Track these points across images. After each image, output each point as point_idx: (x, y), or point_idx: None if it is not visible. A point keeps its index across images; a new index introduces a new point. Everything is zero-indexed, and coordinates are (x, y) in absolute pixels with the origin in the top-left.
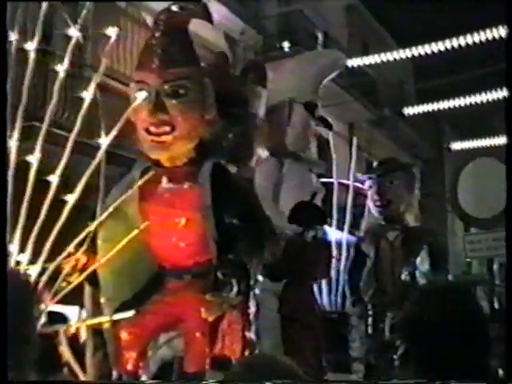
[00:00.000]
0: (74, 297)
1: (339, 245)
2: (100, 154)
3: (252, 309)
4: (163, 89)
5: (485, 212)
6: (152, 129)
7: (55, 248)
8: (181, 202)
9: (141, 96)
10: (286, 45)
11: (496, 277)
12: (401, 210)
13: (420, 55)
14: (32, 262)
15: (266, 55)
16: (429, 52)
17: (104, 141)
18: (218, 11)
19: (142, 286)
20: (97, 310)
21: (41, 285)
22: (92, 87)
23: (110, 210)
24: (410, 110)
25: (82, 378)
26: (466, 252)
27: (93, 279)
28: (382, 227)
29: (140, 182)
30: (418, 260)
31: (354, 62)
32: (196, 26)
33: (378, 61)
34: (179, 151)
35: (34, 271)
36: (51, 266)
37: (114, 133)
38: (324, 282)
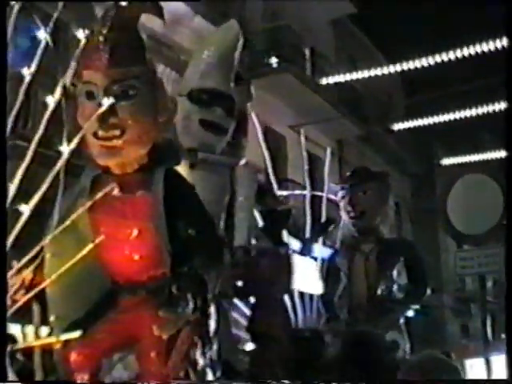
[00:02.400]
0: (22, 315)
1: (314, 258)
2: (60, 163)
3: (212, 325)
4: (111, 89)
5: (476, 228)
6: (101, 133)
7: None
8: (132, 211)
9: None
10: (273, 60)
11: (489, 294)
12: (375, 221)
13: (409, 69)
14: None
15: (254, 71)
16: (418, 66)
17: (65, 149)
18: (203, 27)
19: (95, 304)
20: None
21: None
22: (57, 92)
23: (68, 222)
24: (398, 126)
25: None
26: (456, 269)
27: (40, 296)
28: (355, 239)
29: (98, 194)
30: (395, 273)
31: (341, 78)
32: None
33: (366, 76)
34: (130, 157)
35: None
36: None
37: (76, 141)
38: (298, 299)
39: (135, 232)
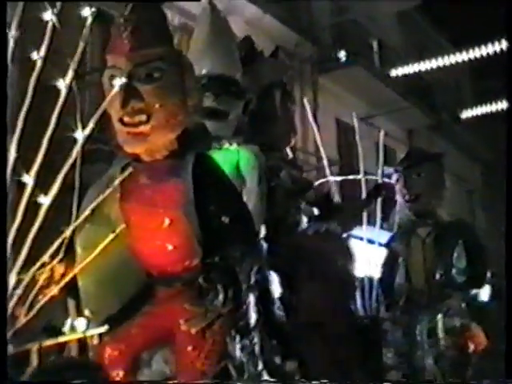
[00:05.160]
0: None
1: (371, 242)
2: (76, 150)
3: (253, 317)
4: (135, 72)
5: None
6: (126, 119)
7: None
8: (163, 199)
9: (115, 83)
10: (342, 54)
11: None
12: (431, 203)
13: (475, 57)
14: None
15: (323, 66)
16: (485, 53)
17: (80, 135)
18: (272, 25)
19: (131, 297)
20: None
21: (15, 299)
22: (69, 76)
23: (87, 213)
24: (468, 113)
25: None
26: None
27: (74, 291)
28: (412, 223)
29: (118, 180)
30: (454, 257)
31: (409, 69)
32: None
33: (434, 66)
34: (158, 143)
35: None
36: (26, 278)
37: (91, 126)
38: (358, 286)
39: (167, 221)
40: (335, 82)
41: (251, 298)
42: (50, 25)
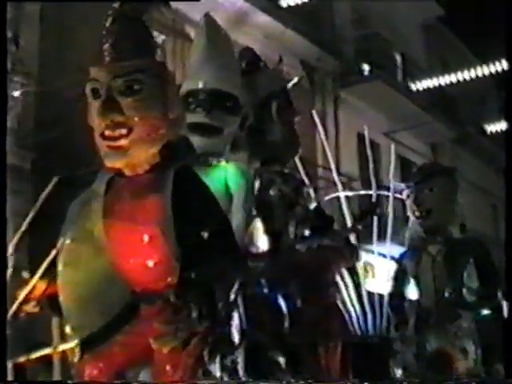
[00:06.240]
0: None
1: (383, 256)
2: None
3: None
4: (115, 85)
5: None
6: (107, 132)
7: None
8: (142, 215)
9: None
10: (364, 68)
11: None
12: (443, 220)
13: (503, 70)
14: None
15: (345, 80)
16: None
17: None
18: (294, 40)
19: (115, 314)
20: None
21: None
22: None
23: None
24: (493, 127)
25: None
26: None
27: (56, 308)
28: (422, 240)
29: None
30: (465, 275)
31: (433, 82)
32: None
33: (460, 78)
34: (139, 156)
35: None
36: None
37: None
38: (367, 304)
39: (146, 238)
40: (357, 96)
41: (235, 316)
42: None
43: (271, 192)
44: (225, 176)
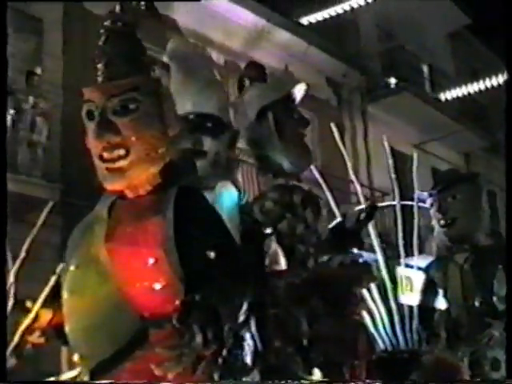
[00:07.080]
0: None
1: (410, 267)
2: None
3: (249, 357)
4: (109, 105)
5: None
6: (106, 155)
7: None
8: (145, 238)
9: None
10: (391, 81)
11: None
12: (468, 227)
13: None
14: None
15: (372, 95)
16: None
17: None
18: (318, 57)
19: (124, 341)
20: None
21: None
22: None
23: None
24: None
25: None
26: None
27: (63, 337)
28: (449, 249)
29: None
30: (495, 283)
31: (462, 91)
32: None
33: (489, 85)
34: (139, 177)
35: None
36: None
37: None
38: (397, 318)
39: (151, 260)
40: (385, 110)
41: (247, 337)
42: None
43: (272, 206)
44: (216, 199)
